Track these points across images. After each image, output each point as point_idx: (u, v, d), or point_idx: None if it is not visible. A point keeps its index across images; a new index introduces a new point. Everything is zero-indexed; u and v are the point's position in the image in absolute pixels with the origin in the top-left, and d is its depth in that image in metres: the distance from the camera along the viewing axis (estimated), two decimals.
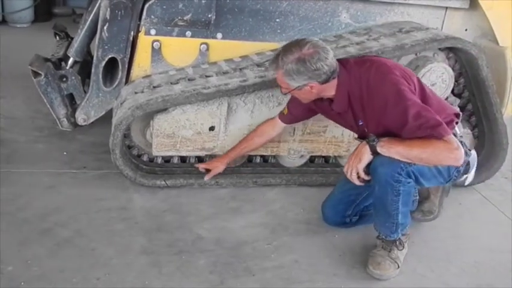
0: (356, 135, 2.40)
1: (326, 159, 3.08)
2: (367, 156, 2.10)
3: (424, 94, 2.17)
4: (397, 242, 2.28)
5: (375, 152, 2.09)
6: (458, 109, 2.70)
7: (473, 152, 2.32)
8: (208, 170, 2.78)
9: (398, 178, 2.07)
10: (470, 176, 2.36)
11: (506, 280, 2.32)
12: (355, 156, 2.15)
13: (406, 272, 2.28)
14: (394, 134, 2.08)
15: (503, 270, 2.38)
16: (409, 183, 2.11)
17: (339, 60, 2.24)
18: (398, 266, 2.25)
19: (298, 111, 2.55)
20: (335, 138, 2.85)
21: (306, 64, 2.09)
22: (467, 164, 2.26)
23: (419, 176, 2.13)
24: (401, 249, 2.29)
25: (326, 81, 2.15)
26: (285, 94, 2.32)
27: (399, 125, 2.04)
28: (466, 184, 2.49)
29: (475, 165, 2.33)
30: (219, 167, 2.76)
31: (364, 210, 2.50)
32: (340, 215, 2.48)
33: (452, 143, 1.99)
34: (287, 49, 2.15)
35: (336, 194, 2.50)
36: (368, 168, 2.13)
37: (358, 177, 2.14)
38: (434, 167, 2.15)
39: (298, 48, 2.12)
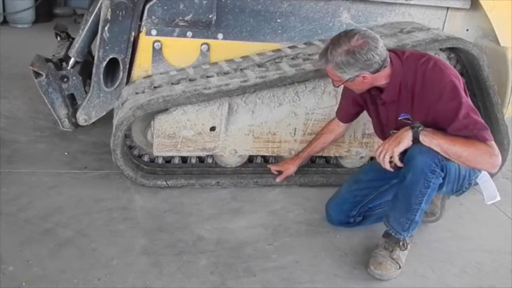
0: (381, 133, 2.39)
1: (327, 159, 3.08)
2: (407, 142, 2.09)
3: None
4: (401, 243, 2.27)
5: (415, 140, 2.08)
6: None
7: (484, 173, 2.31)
8: (279, 172, 2.78)
9: (434, 169, 2.07)
10: (488, 195, 2.35)
11: (507, 281, 2.32)
12: (393, 140, 2.12)
13: (407, 272, 2.28)
14: (438, 129, 2.08)
15: (505, 271, 2.38)
16: (438, 178, 2.10)
17: (393, 50, 2.23)
18: (400, 267, 2.25)
19: (347, 105, 2.54)
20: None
21: (356, 56, 2.06)
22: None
23: (447, 180, 2.15)
24: (403, 250, 2.29)
25: (377, 70, 2.12)
26: (337, 86, 2.30)
27: (447, 120, 2.04)
28: (487, 203, 2.49)
29: (488, 184, 2.34)
30: (290, 168, 2.78)
31: (368, 211, 2.50)
32: (345, 214, 2.47)
33: (494, 148, 2.01)
34: (335, 42, 2.12)
35: (343, 194, 2.49)
36: (402, 155, 2.12)
37: (390, 162, 2.13)
38: (459, 172, 2.16)
39: (346, 40, 2.09)
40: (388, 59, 2.14)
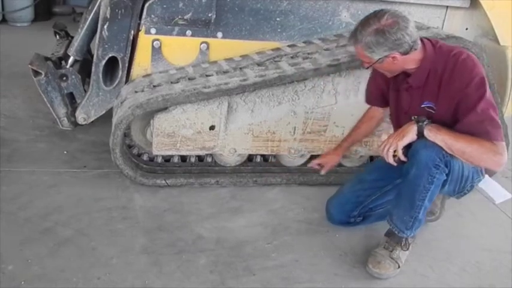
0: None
1: None
2: (411, 136, 2.09)
3: None
4: (403, 242, 2.27)
5: (420, 134, 2.08)
6: None
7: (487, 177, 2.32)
8: (321, 165, 2.71)
9: (438, 164, 2.06)
10: (497, 195, 2.37)
11: (507, 280, 2.32)
12: (397, 134, 2.13)
13: (406, 272, 2.28)
14: (454, 121, 2.08)
15: (504, 271, 2.38)
16: (442, 174, 2.10)
17: (428, 38, 2.21)
18: (399, 266, 2.25)
19: (373, 90, 2.51)
20: (335, 138, 2.84)
21: (385, 35, 2.02)
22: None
23: (449, 178, 2.14)
24: (405, 250, 2.28)
25: (407, 52, 2.08)
26: (367, 68, 2.25)
27: (466, 109, 2.03)
28: (497, 202, 2.49)
29: (492, 185, 2.36)
30: (334, 159, 2.68)
31: (368, 212, 2.49)
32: (346, 214, 2.47)
33: (500, 147, 2.01)
34: (365, 22, 2.08)
35: (345, 194, 2.49)
36: (406, 150, 2.11)
37: (394, 156, 2.13)
38: (462, 171, 2.16)
39: (376, 20, 2.05)
40: (420, 43, 2.12)
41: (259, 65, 2.71)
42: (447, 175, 2.13)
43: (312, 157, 3.01)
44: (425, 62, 2.14)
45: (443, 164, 2.08)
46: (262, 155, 2.97)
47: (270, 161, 3.01)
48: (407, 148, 2.12)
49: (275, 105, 2.72)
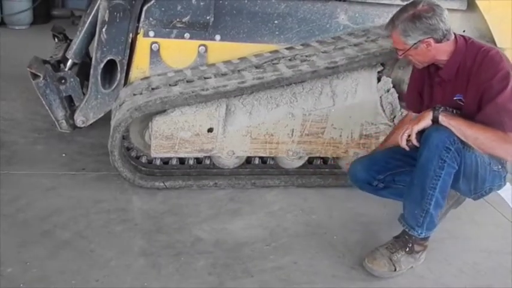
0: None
1: (324, 160, 3.09)
2: (426, 121, 2.14)
3: None
4: (410, 245, 2.26)
5: (435, 119, 2.13)
6: None
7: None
8: None
9: (448, 146, 2.09)
10: None
11: (505, 281, 2.32)
12: (414, 119, 2.22)
13: (404, 272, 2.28)
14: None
15: (502, 272, 2.39)
16: (453, 161, 2.11)
17: (461, 34, 2.28)
18: (395, 270, 2.24)
19: (411, 93, 2.53)
20: (333, 140, 2.85)
21: (421, 19, 2.12)
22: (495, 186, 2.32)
23: (462, 171, 2.17)
24: (409, 255, 2.26)
25: (441, 40, 2.16)
26: (401, 56, 2.29)
27: (488, 98, 2.09)
28: None
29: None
30: None
31: (391, 183, 2.46)
32: (371, 175, 2.45)
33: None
34: (402, 9, 2.20)
35: (376, 156, 2.51)
36: (420, 136, 2.16)
37: (408, 141, 2.17)
38: (477, 168, 2.18)
39: (412, 7, 2.16)
40: (452, 33, 2.20)
41: (257, 67, 2.71)
42: (459, 166, 2.14)
43: (310, 159, 3.03)
44: (456, 55, 2.21)
45: (453, 148, 2.09)
46: (261, 157, 2.98)
47: (268, 163, 3.02)
48: (422, 136, 2.16)
49: (273, 108, 2.73)
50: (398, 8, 2.90)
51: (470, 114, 2.15)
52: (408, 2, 2.23)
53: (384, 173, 2.45)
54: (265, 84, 2.61)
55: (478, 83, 2.15)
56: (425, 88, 2.41)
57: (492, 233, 2.71)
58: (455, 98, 2.23)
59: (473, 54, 2.18)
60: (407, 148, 2.20)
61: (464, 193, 2.40)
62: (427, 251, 2.37)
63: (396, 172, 2.44)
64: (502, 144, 2.05)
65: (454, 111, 2.19)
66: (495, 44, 2.97)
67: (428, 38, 2.15)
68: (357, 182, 2.52)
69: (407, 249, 2.27)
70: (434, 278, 2.29)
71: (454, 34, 2.22)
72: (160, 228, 2.43)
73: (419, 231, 2.23)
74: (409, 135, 2.17)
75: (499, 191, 2.32)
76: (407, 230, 2.25)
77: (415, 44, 2.17)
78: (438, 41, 2.16)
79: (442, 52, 2.21)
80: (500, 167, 2.26)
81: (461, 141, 2.10)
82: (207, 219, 2.54)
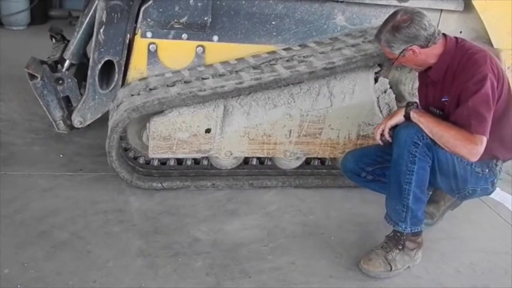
0: None
1: (322, 161, 3.10)
2: (398, 117, 2.27)
3: (508, 106, 2.21)
4: (402, 242, 2.27)
5: (407, 115, 2.23)
6: None
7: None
8: None
9: (416, 141, 2.14)
10: None
11: (502, 281, 2.33)
12: (389, 116, 2.35)
13: (401, 272, 2.29)
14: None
15: (499, 272, 2.40)
16: (425, 157, 2.15)
17: (455, 36, 2.30)
18: (391, 269, 2.25)
19: (420, 96, 2.55)
20: (331, 140, 2.86)
21: (400, 30, 2.16)
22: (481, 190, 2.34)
23: (437, 168, 2.21)
24: (403, 253, 2.28)
25: (426, 45, 2.19)
26: (393, 63, 2.44)
27: (462, 100, 2.11)
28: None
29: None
30: None
31: (379, 176, 2.50)
32: (360, 166, 2.49)
33: (476, 139, 2.05)
34: (384, 22, 2.25)
35: (368, 149, 2.58)
36: (393, 132, 2.25)
37: (382, 135, 2.28)
38: (454, 167, 2.22)
39: (392, 18, 2.21)
40: (440, 38, 2.22)
41: (254, 68, 2.72)
42: (432, 162, 2.19)
43: (308, 160, 3.03)
44: (444, 56, 2.23)
45: (422, 143, 2.15)
46: (258, 158, 2.98)
47: (265, 163, 3.02)
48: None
49: (271, 108, 2.73)
50: (394, 9, 2.92)
51: (450, 114, 2.17)
52: (390, 14, 2.26)
53: (373, 166, 2.49)
54: (262, 85, 2.61)
55: (458, 84, 2.17)
56: (422, 87, 2.45)
57: (489, 233, 2.72)
58: (443, 100, 2.26)
59: (460, 56, 2.20)
60: (381, 143, 2.31)
61: (447, 191, 2.44)
62: (424, 250, 2.38)
63: (386, 166, 2.44)
64: (466, 144, 2.06)
65: (438, 111, 2.25)
66: (492, 44, 2.99)
67: (411, 46, 2.18)
68: (346, 172, 2.56)
69: (400, 247, 2.28)
70: (431, 278, 2.30)
71: (445, 36, 2.24)
72: (158, 229, 2.43)
73: (404, 227, 2.26)
74: (383, 130, 2.28)
75: (495, 197, 2.34)
76: (393, 226, 2.29)
77: (401, 52, 2.21)
78: (423, 47, 2.19)
79: (431, 55, 2.23)
80: (487, 170, 2.27)
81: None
82: (204, 220, 2.54)
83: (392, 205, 2.26)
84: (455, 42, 2.24)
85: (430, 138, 2.14)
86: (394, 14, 2.22)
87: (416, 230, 2.29)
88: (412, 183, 2.17)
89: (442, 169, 2.22)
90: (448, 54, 2.22)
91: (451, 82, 2.22)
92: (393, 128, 2.27)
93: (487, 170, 2.27)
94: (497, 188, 2.45)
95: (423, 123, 2.15)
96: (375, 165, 2.48)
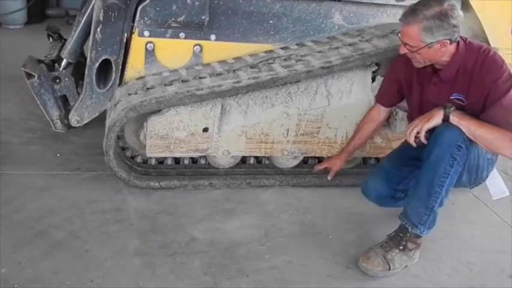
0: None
1: (320, 160, 3.09)
2: (437, 119, 2.16)
3: None
4: (404, 243, 2.26)
5: (446, 119, 2.15)
6: None
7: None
8: (326, 169, 2.82)
9: (460, 144, 2.12)
10: (496, 190, 2.44)
11: (499, 281, 2.34)
12: (424, 117, 2.20)
13: (398, 272, 2.29)
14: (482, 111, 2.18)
15: (496, 271, 2.40)
16: (462, 160, 2.14)
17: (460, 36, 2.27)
18: (390, 268, 2.25)
19: (388, 86, 2.57)
20: (328, 139, 2.86)
21: (449, 18, 2.07)
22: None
23: (466, 167, 2.21)
24: (403, 254, 2.27)
25: (455, 41, 2.16)
26: (411, 51, 2.20)
27: (493, 100, 2.12)
28: (494, 198, 2.53)
29: (496, 179, 2.44)
30: (337, 164, 2.81)
31: (409, 189, 2.45)
32: (392, 187, 2.45)
33: None
34: (425, 3, 2.11)
35: (386, 168, 2.49)
36: (428, 134, 2.18)
37: (416, 138, 2.18)
38: (478, 161, 2.24)
39: (438, 3, 2.09)
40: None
41: (252, 67, 2.71)
42: (464, 164, 2.17)
43: (305, 159, 3.04)
44: (457, 56, 2.21)
45: (464, 146, 2.12)
46: (256, 157, 2.98)
47: (263, 162, 3.02)
48: (430, 133, 2.17)
49: (268, 107, 2.73)
50: (392, 9, 2.96)
51: (472, 113, 2.17)
52: None
53: (402, 183, 2.47)
54: (260, 84, 2.61)
55: (483, 84, 2.16)
56: (414, 86, 2.40)
57: (486, 232, 2.72)
58: (452, 97, 2.24)
59: (474, 56, 2.19)
60: (414, 145, 2.21)
61: (464, 185, 2.41)
62: (421, 250, 2.38)
63: (410, 177, 2.45)
64: (510, 145, 2.09)
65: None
66: (489, 44, 2.99)
67: (447, 39, 2.12)
68: (379, 198, 2.51)
69: (401, 247, 2.28)
70: (429, 277, 2.30)
71: None
72: (156, 228, 2.42)
73: (422, 229, 2.24)
74: (417, 132, 2.18)
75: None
76: (409, 227, 2.25)
77: (431, 43, 2.12)
78: (452, 42, 2.15)
79: (447, 53, 2.20)
80: (492, 154, 2.30)
81: (469, 139, 2.14)
82: (202, 219, 2.54)
83: (416, 206, 2.22)
84: (464, 42, 2.23)
85: (469, 139, 2.12)
86: (438, 0, 2.09)
87: (428, 233, 2.28)
88: (444, 187, 2.15)
89: (469, 166, 2.23)
90: (460, 54, 2.20)
91: (467, 82, 2.20)
92: (429, 131, 2.18)
93: (492, 154, 2.30)
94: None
95: (464, 126, 2.11)
96: (403, 181, 2.46)
